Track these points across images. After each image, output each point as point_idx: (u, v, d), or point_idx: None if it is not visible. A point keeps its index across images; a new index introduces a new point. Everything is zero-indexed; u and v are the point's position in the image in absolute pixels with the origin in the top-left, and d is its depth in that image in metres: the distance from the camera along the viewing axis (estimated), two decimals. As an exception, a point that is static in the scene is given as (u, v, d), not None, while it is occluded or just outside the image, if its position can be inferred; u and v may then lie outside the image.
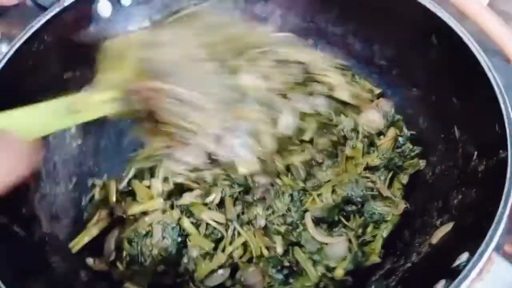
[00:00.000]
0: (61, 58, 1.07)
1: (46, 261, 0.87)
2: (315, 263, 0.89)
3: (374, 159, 0.99)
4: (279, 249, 0.86)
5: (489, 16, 1.09)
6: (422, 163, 1.00)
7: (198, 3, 1.06)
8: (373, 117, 1.03)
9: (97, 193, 1.02)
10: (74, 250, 0.92)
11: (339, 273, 0.88)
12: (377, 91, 1.13)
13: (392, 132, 1.03)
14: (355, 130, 1.01)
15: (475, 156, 0.89)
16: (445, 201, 0.91)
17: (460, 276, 0.65)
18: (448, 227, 0.85)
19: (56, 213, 0.97)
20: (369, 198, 0.95)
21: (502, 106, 0.82)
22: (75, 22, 1.06)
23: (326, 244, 0.88)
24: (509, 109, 0.82)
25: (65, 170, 1.03)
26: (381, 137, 1.04)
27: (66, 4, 1.01)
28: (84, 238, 0.93)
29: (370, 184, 0.97)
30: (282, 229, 0.88)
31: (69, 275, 0.88)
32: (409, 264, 0.88)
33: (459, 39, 0.94)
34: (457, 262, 0.70)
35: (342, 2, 1.16)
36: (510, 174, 0.75)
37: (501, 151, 0.79)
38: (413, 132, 1.07)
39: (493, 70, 0.88)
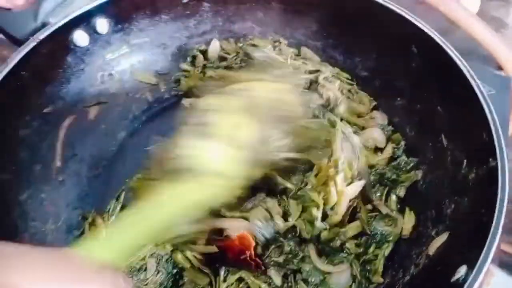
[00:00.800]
0: (40, 93, 1.05)
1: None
2: None
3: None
4: (277, 281, 0.84)
5: (478, 24, 1.10)
6: (419, 173, 0.99)
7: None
8: (376, 135, 1.02)
9: (86, 228, 0.99)
10: None
11: None
12: (373, 103, 1.13)
13: (389, 148, 1.03)
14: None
15: (464, 164, 0.89)
16: (438, 211, 0.91)
17: (462, 293, 0.65)
18: (443, 238, 0.85)
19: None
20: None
21: (488, 114, 0.83)
22: (52, 55, 1.04)
23: (329, 273, 0.87)
24: (495, 117, 0.82)
25: (52, 207, 1.01)
26: (379, 153, 1.03)
27: (41, 37, 1.00)
28: None
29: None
30: (281, 259, 0.86)
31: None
32: (408, 277, 0.88)
33: (439, 48, 0.95)
34: (456, 276, 0.70)
35: (320, 17, 1.16)
36: (502, 184, 0.75)
37: (490, 159, 0.80)
38: (404, 142, 1.07)
39: (475, 77, 0.89)
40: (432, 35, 0.96)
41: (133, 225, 0.68)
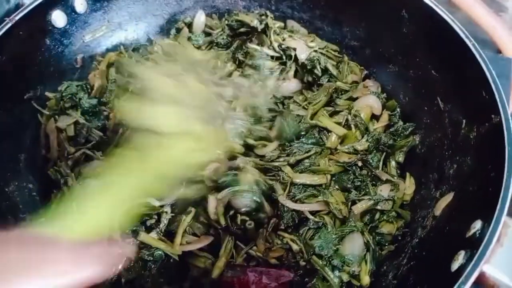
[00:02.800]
0: (19, 78, 0.98)
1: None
2: (334, 268, 0.86)
3: (362, 143, 0.97)
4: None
5: (479, 8, 1.11)
6: (416, 137, 0.99)
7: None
8: (372, 102, 1.01)
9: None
10: None
11: (365, 280, 0.85)
12: (364, 72, 1.12)
13: (385, 116, 1.02)
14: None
15: (463, 124, 0.89)
16: (440, 173, 0.91)
17: (483, 244, 0.64)
18: (449, 198, 0.85)
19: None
20: (369, 185, 0.93)
21: (487, 72, 0.83)
22: (29, 37, 0.98)
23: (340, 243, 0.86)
24: (494, 75, 0.82)
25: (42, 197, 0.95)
26: (374, 121, 1.02)
27: (17, 18, 0.93)
28: None
29: (364, 171, 0.96)
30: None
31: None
32: (416, 240, 0.88)
33: (431, 9, 0.94)
34: (472, 231, 0.70)
35: (304, -13, 1.14)
36: (508, 137, 0.75)
37: (493, 115, 0.80)
38: (399, 109, 1.06)
39: (470, 36, 0.89)
40: (423, -2, 0.96)
41: (103, 195, 0.65)
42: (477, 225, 0.70)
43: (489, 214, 0.68)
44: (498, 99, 0.80)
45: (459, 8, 1.26)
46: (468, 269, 0.63)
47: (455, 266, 0.67)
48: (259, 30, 1.10)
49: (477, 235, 0.69)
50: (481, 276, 0.66)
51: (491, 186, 0.73)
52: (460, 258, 0.68)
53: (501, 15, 1.70)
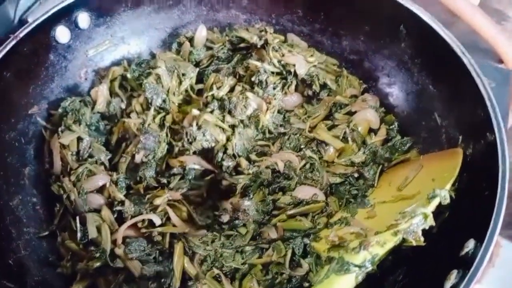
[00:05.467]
0: (23, 94, 1.01)
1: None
2: None
3: (359, 155, 0.98)
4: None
5: (480, 17, 1.11)
6: (414, 152, 1.00)
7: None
8: (370, 116, 1.02)
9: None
10: None
11: None
12: (363, 86, 1.13)
13: (383, 129, 1.03)
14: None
15: (460, 141, 0.90)
16: (436, 188, 0.92)
17: (474, 264, 0.65)
18: (444, 215, 0.86)
19: (46, 257, 0.91)
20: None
21: (482, 89, 0.84)
22: (34, 53, 1.01)
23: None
24: (490, 92, 0.83)
25: (46, 211, 0.98)
26: (372, 134, 1.03)
27: (21, 35, 0.96)
28: None
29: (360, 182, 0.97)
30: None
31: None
32: (411, 255, 0.88)
33: (427, 25, 0.95)
34: (465, 250, 0.71)
35: (306, 1, 1.15)
36: (502, 156, 0.76)
37: (488, 134, 0.81)
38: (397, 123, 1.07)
39: (466, 52, 0.89)
40: (420, 13, 0.97)
41: None
42: (470, 244, 0.71)
43: (482, 233, 0.69)
44: (493, 117, 0.81)
45: (460, 18, 1.27)
46: (460, 289, 0.64)
47: (447, 285, 0.69)
48: (259, 46, 1.11)
49: (470, 254, 0.70)
50: (473, 296, 0.67)
51: (485, 205, 0.74)
52: (452, 278, 0.69)
53: (503, 24, 1.70)
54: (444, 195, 0.77)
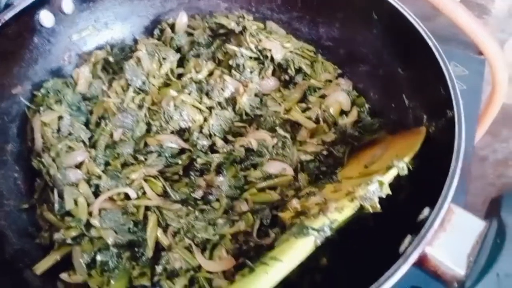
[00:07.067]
0: (7, 74, 1.04)
1: (19, 277, 0.85)
2: None
3: (330, 135, 1.02)
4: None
5: (461, 11, 1.15)
6: (382, 133, 1.03)
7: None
8: (341, 98, 1.06)
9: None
10: (38, 272, 0.89)
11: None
12: (338, 71, 1.17)
13: (354, 112, 1.07)
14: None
15: (425, 120, 0.94)
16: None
17: (424, 228, 0.69)
18: (407, 189, 0.89)
19: (25, 228, 0.95)
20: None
21: (444, 68, 0.88)
22: (18, 36, 1.04)
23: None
24: (451, 71, 0.87)
25: (26, 186, 1.01)
26: (344, 116, 1.07)
27: (6, 18, 0.99)
28: (47, 263, 0.89)
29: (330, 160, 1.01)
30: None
31: (47, 288, 0.87)
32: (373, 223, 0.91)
33: (396, 11, 0.99)
34: (420, 217, 0.75)
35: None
36: (458, 130, 0.80)
37: (448, 111, 0.84)
38: (368, 105, 1.11)
39: (430, 35, 0.93)
40: (390, 0, 1.01)
41: None
42: (426, 211, 0.75)
43: (434, 201, 0.73)
44: (453, 95, 0.85)
45: (441, 12, 1.31)
46: (410, 249, 0.67)
47: (402, 248, 0.72)
48: (237, 32, 1.15)
49: (424, 221, 0.73)
50: (424, 258, 0.70)
51: (442, 177, 0.77)
52: (406, 242, 0.72)
53: (485, 17, 1.75)
54: (402, 166, 0.80)
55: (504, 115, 1.74)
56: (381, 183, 0.75)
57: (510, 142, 2.03)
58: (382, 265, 0.71)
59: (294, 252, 0.72)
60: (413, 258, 0.67)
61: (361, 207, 0.76)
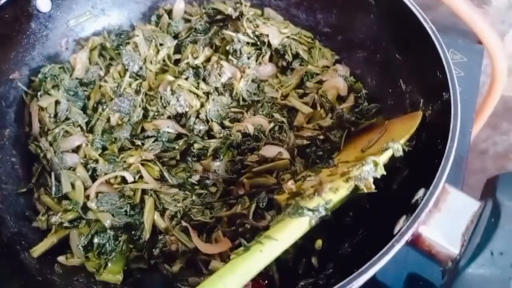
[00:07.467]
0: (5, 59, 1.05)
1: (17, 259, 0.86)
2: None
3: (326, 120, 1.02)
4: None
5: (460, 1, 1.15)
6: (380, 118, 1.03)
7: None
8: (338, 84, 1.06)
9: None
10: (35, 255, 0.89)
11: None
12: (335, 57, 1.17)
13: (351, 97, 1.07)
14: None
15: (421, 104, 0.94)
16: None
17: (419, 208, 0.69)
18: (404, 171, 0.89)
19: (23, 212, 0.95)
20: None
21: (440, 52, 0.87)
22: (15, 21, 1.04)
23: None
24: (447, 54, 0.87)
25: (24, 170, 1.01)
26: (341, 102, 1.07)
27: (2, 2, 0.99)
28: (44, 246, 0.90)
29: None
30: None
31: (44, 270, 0.87)
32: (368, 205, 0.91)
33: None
34: (415, 198, 0.75)
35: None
36: (454, 112, 0.79)
37: (444, 93, 0.84)
38: (365, 91, 1.11)
39: (428, 20, 0.93)
40: (387, -15, 1.00)
41: None
42: (420, 192, 0.75)
43: (430, 181, 0.73)
44: (449, 78, 0.85)
45: (441, 1, 1.31)
46: (403, 229, 0.68)
47: (396, 229, 0.72)
48: (234, 17, 1.15)
49: (419, 201, 0.73)
50: (418, 237, 0.71)
51: (437, 158, 0.77)
52: (401, 222, 0.72)
53: (484, 7, 1.74)
54: (397, 147, 0.80)
55: (505, 108, 1.74)
56: (375, 163, 0.75)
57: (510, 134, 2.02)
58: (377, 247, 0.72)
59: (289, 232, 0.72)
60: (407, 236, 0.67)
61: (356, 188, 0.76)
